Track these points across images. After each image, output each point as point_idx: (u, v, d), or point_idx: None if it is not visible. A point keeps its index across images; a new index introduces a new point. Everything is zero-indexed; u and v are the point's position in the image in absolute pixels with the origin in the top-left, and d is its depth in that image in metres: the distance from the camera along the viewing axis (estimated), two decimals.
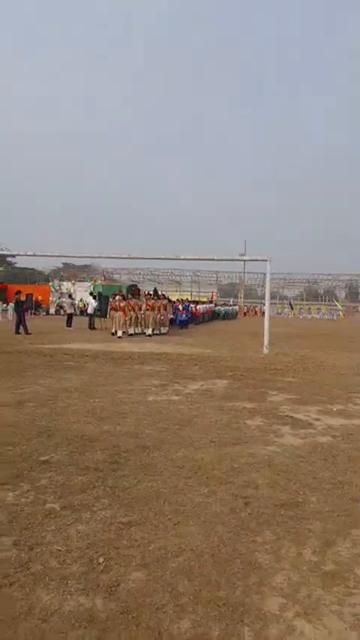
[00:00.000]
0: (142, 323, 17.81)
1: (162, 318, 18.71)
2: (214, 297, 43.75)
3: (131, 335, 17.16)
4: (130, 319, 17.40)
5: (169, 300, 22.40)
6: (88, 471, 3.56)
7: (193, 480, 3.45)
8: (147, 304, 17.90)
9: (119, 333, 16.57)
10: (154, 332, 17.77)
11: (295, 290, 79.66)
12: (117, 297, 17.65)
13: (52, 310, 38.81)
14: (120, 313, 16.83)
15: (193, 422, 5.19)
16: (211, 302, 37.78)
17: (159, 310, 18.41)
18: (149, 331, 17.49)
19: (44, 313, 37.45)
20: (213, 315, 33.41)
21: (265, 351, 12.57)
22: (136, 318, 17.75)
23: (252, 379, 8.28)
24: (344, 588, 2.16)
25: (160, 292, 22.82)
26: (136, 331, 17.79)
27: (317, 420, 5.54)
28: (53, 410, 5.51)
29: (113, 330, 16.85)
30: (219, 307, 38.04)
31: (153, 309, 17.91)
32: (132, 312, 17.45)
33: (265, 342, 13.00)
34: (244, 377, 8.50)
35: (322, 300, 73.88)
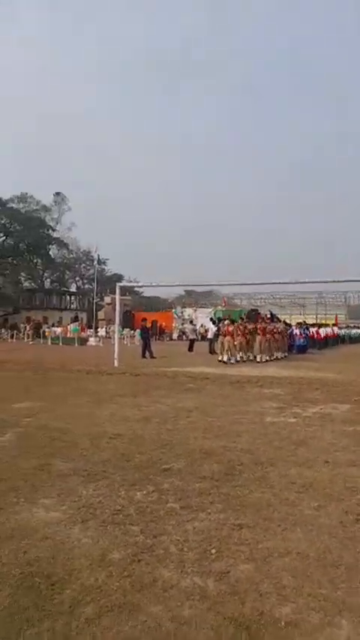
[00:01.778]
0: (255, 349, 16.81)
1: (277, 343, 17.79)
2: (337, 320, 41.61)
3: (238, 361, 16.23)
4: (241, 344, 16.54)
5: (286, 324, 21.46)
6: (205, 479, 3.89)
7: (304, 494, 3.58)
8: (259, 329, 16.97)
9: (225, 358, 15.85)
10: (267, 358, 16.78)
11: None
12: (225, 322, 17.09)
13: (175, 336, 40.70)
14: (228, 338, 16.13)
15: (309, 443, 5.24)
16: (335, 325, 36.02)
17: (272, 335, 17.42)
18: (260, 357, 16.53)
19: (168, 339, 39.42)
20: (338, 339, 31.81)
21: None
22: (247, 342, 16.79)
23: None
24: None
25: (275, 316, 22.25)
26: (245, 358, 16.78)
27: None
28: (175, 426, 5.99)
29: (220, 357, 16.08)
30: (345, 330, 36.14)
31: (265, 333, 16.96)
32: (240, 337, 16.56)
33: None
34: None
35: None
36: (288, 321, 24.84)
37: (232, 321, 17.24)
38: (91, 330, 37.12)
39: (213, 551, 2.63)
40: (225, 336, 16.31)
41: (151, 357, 17.30)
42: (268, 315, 20.91)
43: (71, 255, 66.66)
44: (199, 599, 2.18)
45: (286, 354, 19.14)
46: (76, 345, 26.77)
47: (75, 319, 40.31)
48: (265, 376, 11.77)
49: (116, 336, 15.96)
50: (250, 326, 17.38)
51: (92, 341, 30.39)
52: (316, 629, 1.97)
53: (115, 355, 14.50)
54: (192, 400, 8.08)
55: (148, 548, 2.67)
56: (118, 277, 68.44)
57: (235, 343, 16.25)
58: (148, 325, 19.75)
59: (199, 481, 3.85)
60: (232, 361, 15.74)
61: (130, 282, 60.00)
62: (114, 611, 2.10)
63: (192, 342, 22.25)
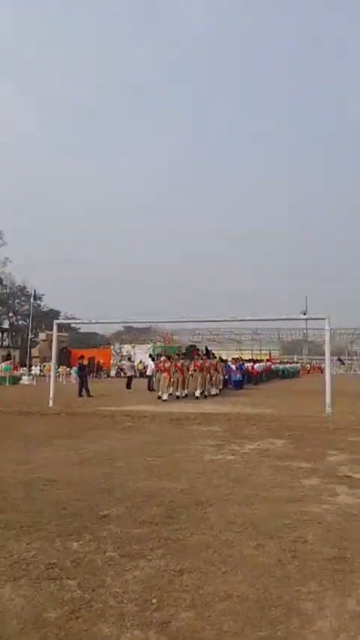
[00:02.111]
0: (190, 384, 16.85)
1: (213, 379, 17.85)
2: (271, 356, 43.11)
3: (177, 398, 16.20)
4: (177, 381, 16.46)
5: (222, 360, 21.68)
6: (145, 524, 3.81)
7: (243, 534, 3.60)
8: (194, 365, 16.98)
9: (164, 396, 15.67)
10: (203, 394, 16.78)
11: None
12: (162, 358, 16.96)
13: (112, 373, 40.05)
14: (165, 374, 16.02)
15: (248, 480, 5.31)
16: (269, 360, 37.20)
17: (208, 371, 17.42)
18: (197, 393, 16.51)
19: (105, 376, 38.67)
20: (272, 374, 32.76)
21: (328, 409, 12.28)
22: (183, 379, 16.76)
23: (311, 439, 8.21)
24: None
25: (210, 351, 22.39)
26: (183, 394, 16.74)
27: None
28: (113, 468, 5.84)
29: (159, 394, 15.93)
30: (277, 365, 37.34)
31: (202, 369, 16.95)
32: (178, 374, 16.53)
33: (327, 400, 12.72)
34: (303, 436, 8.44)
35: None
36: (224, 357, 25.23)
37: (169, 358, 17.14)
38: (24, 369, 35.67)
39: (154, 600, 2.56)
40: (162, 372, 16.20)
41: (88, 395, 16.90)
42: (204, 351, 21.18)
43: (5, 291, 64.58)
44: None
45: (222, 389, 19.29)
46: (8, 384, 25.55)
47: (7, 357, 38.56)
48: (203, 413, 11.85)
49: (52, 374, 15.44)
50: (187, 362, 17.40)
51: (25, 380, 29.18)
52: None
53: (51, 394, 13.99)
54: (131, 440, 7.95)
55: (86, 603, 2.55)
56: (55, 313, 67.00)
57: (172, 380, 16.14)
58: (85, 362, 19.31)
59: (139, 526, 3.76)
60: (168, 398, 15.60)
61: (68, 317, 58.96)
62: None
63: (130, 379, 22.04)
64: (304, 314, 35.92)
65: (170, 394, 15.96)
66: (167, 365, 16.15)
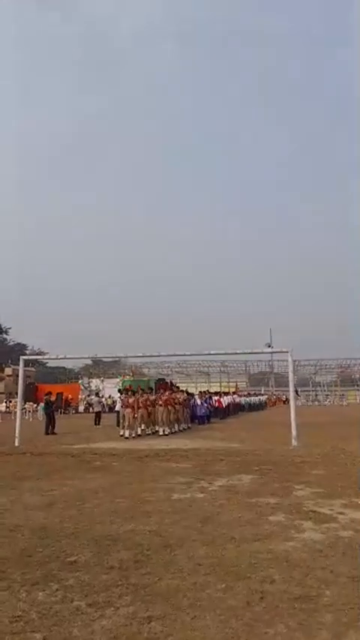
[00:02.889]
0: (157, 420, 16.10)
1: (178, 414, 17.08)
2: (238, 388, 43.07)
3: (139, 435, 15.55)
4: (142, 417, 15.88)
5: (188, 394, 21.06)
6: (113, 569, 3.76)
7: (211, 576, 3.61)
8: (159, 399, 16.16)
9: (126, 434, 14.96)
10: (170, 430, 15.95)
11: (328, 376, 77.97)
12: (123, 396, 16.27)
13: (81, 408, 39.29)
14: (128, 410, 15.31)
15: (216, 519, 5.32)
16: (235, 393, 36.72)
17: (173, 406, 16.54)
18: (162, 431, 15.69)
19: (74, 411, 37.89)
20: (238, 407, 32.14)
21: (294, 442, 12.44)
22: (148, 415, 16.08)
23: (278, 473, 8.29)
24: None
25: (175, 385, 21.69)
26: (148, 431, 16.05)
27: (341, 513, 5.56)
28: (80, 511, 5.73)
29: (121, 432, 15.26)
30: (243, 398, 37.01)
31: (167, 405, 16.10)
32: (142, 410, 15.89)
33: (293, 433, 12.88)
34: (270, 471, 8.51)
35: (358, 386, 71.79)
36: (191, 391, 24.95)
37: (133, 392, 16.53)
38: None
39: None
40: (126, 408, 15.53)
41: (52, 432, 16.52)
42: (169, 385, 20.91)
43: None
44: None
45: (189, 425, 18.73)
46: None
47: None
48: (171, 449, 11.78)
49: (18, 412, 15.04)
50: (152, 397, 16.80)
51: None
52: None
53: (17, 433, 13.61)
54: (99, 480, 7.81)
55: None
56: (21, 347, 65.64)
57: (136, 416, 15.61)
58: (53, 398, 18.94)
59: (107, 572, 3.71)
60: (132, 435, 15.04)
61: (35, 352, 57.77)
62: None
63: (98, 414, 21.69)
64: (270, 346, 36.61)
65: (132, 431, 15.30)
66: (131, 400, 15.62)
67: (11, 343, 67.32)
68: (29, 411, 28.85)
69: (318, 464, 9.27)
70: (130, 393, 16.24)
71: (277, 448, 11.76)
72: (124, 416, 15.62)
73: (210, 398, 24.27)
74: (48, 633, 2.77)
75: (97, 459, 10.29)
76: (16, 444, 13.17)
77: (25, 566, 3.87)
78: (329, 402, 56.35)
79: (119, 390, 22.74)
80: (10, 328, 66.89)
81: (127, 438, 14.80)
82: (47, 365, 63.76)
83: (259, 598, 3.20)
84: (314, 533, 4.77)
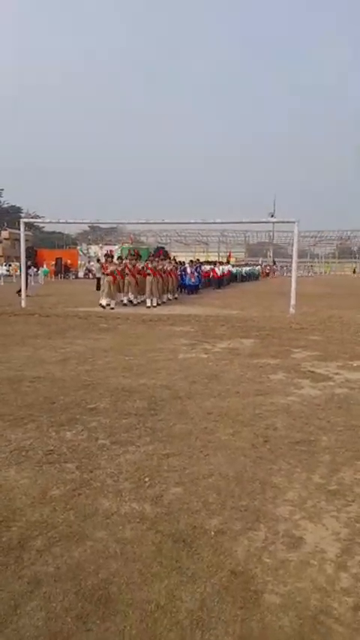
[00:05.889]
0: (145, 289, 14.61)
1: (166, 284, 16.13)
2: (231, 256, 42.26)
3: (125, 305, 14.49)
4: (129, 285, 14.65)
5: (177, 262, 19.93)
6: (130, 415, 4.15)
7: (220, 423, 3.99)
8: (147, 267, 14.64)
9: (104, 302, 13.54)
10: (157, 302, 14.74)
11: (327, 248, 77.80)
12: (109, 259, 14.69)
13: (80, 274, 39.71)
14: (109, 278, 13.84)
15: (220, 376, 5.71)
16: (228, 262, 35.86)
17: (161, 275, 15.36)
18: (149, 302, 14.35)
19: (74, 277, 38.37)
20: (231, 278, 30.79)
21: (292, 310, 12.85)
22: (136, 284, 14.79)
23: (277, 338, 8.71)
24: (343, 501, 2.67)
25: (168, 253, 20.77)
26: (135, 300, 14.82)
27: (336, 374, 5.97)
28: (94, 366, 6.13)
29: (101, 301, 13.70)
30: (237, 268, 36.28)
31: (155, 273, 14.66)
32: (130, 277, 14.60)
33: (292, 302, 13.23)
34: (269, 336, 8.93)
35: (356, 258, 72.08)
36: (181, 259, 23.87)
37: (120, 258, 15.39)
38: None
39: (146, 479, 2.91)
40: (107, 275, 13.94)
41: (18, 293, 14.95)
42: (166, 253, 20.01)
43: None
44: (138, 521, 2.45)
45: (176, 295, 17.84)
46: None
47: None
48: (174, 314, 12.21)
49: (23, 275, 15.14)
50: (140, 265, 15.24)
51: None
52: (240, 534, 2.35)
53: (23, 295, 13.93)
54: (107, 340, 8.22)
55: (86, 483, 2.87)
56: (16, 210, 63.78)
57: (114, 284, 14.11)
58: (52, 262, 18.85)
59: (125, 417, 4.09)
60: (111, 306, 13.60)
61: (30, 215, 56.26)
62: (62, 540, 2.29)
63: (99, 280, 21.95)
64: (272, 216, 35.64)
65: (112, 300, 13.82)
66: (112, 268, 14.14)
67: (5, 205, 65.24)
68: (31, 275, 29.11)
69: (315, 330, 9.70)
70: (111, 259, 14.77)
71: (276, 315, 12.20)
72: (102, 284, 14.30)
73: (200, 266, 23.00)
74: (79, 464, 3.15)
75: (103, 321, 10.70)
76: (23, 305, 13.57)
77: (50, 411, 4.25)
78: (312, 273, 56.97)
79: (119, 257, 22.63)
80: (2, 189, 64.23)
81: (102, 306, 13.46)
82: (44, 230, 62.75)
83: (263, 441, 3.58)
84: (312, 390, 5.18)
